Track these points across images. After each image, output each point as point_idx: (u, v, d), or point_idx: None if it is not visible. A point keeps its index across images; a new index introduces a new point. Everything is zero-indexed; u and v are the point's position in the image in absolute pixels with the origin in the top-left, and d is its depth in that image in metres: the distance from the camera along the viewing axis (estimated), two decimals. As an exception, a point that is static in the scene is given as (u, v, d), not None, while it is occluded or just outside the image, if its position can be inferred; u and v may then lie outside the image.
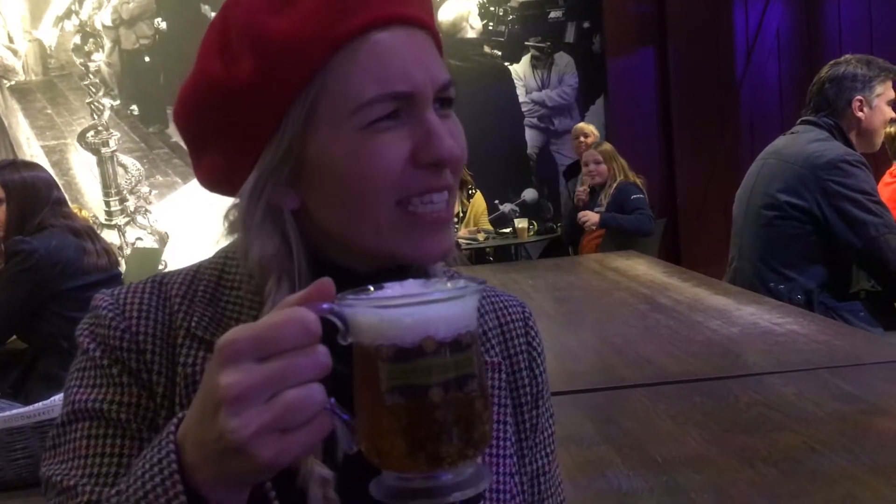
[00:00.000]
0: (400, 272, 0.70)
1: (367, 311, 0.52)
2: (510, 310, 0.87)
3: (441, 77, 0.69)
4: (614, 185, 5.04)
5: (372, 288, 0.56)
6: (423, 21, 0.70)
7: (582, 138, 5.47)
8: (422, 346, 0.51)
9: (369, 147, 0.66)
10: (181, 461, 0.54)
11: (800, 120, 2.83)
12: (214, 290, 0.74)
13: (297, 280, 0.69)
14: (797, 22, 6.28)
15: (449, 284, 0.57)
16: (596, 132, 5.77)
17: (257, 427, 0.49)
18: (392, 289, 0.55)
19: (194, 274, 0.77)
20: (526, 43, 7.00)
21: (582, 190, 5.16)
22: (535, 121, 7.03)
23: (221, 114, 0.69)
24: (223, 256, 0.76)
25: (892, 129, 3.59)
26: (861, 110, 2.69)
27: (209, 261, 0.78)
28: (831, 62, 2.77)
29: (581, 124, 5.67)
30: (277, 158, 0.68)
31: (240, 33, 0.67)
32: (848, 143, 2.68)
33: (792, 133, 2.81)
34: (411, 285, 0.56)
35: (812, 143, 2.65)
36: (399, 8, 0.68)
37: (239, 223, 0.71)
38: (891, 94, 2.72)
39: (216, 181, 0.73)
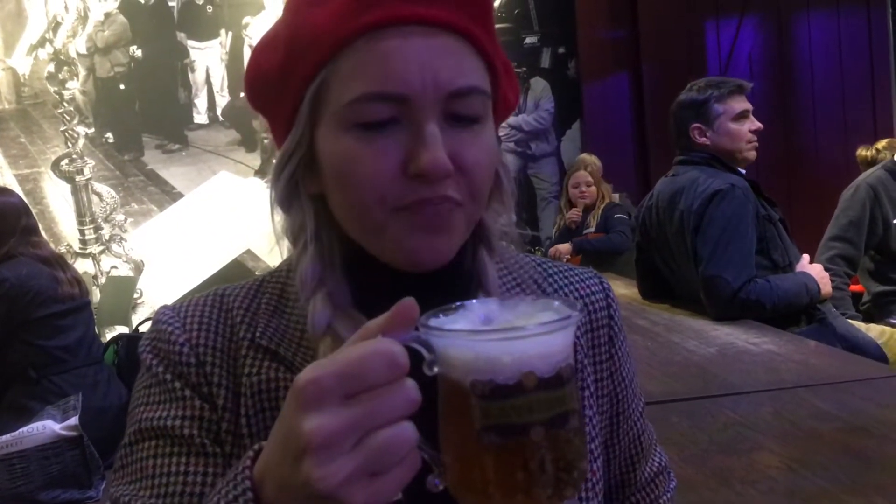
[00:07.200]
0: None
1: (459, 342, 0.47)
2: (588, 282, 0.85)
3: (454, 82, 0.64)
4: (602, 206, 5.06)
5: (453, 306, 0.51)
6: (451, 23, 0.65)
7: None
8: (521, 382, 0.46)
9: (360, 153, 0.65)
10: (258, 497, 0.51)
11: (676, 160, 2.77)
12: (278, 302, 0.75)
13: (325, 258, 0.70)
14: (769, 45, 6.37)
15: (540, 306, 0.51)
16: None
17: (347, 474, 0.46)
18: (476, 309, 0.51)
19: (258, 287, 0.77)
20: (502, 68, 7.04)
21: (575, 212, 5.12)
22: (511, 145, 7.05)
23: (261, 98, 0.74)
24: (287, 269, 0.76)
25: (869, 153, 3.59)
26: (703, 136, 2.60)
27: (271, 273, 0.78)
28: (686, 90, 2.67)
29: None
30: (293, 146, 0.70)
31: (284, 24, 0.70)
32: (727, 165, 2.61)
33: (673, 175, 2.74)
34: (495, 306, 0.51)
35: (691, 183, 2.59)
36: (419, 8, 0.64)
37: (270, 197, 0.73)
38: (734, 111, 2.59)
39: None
